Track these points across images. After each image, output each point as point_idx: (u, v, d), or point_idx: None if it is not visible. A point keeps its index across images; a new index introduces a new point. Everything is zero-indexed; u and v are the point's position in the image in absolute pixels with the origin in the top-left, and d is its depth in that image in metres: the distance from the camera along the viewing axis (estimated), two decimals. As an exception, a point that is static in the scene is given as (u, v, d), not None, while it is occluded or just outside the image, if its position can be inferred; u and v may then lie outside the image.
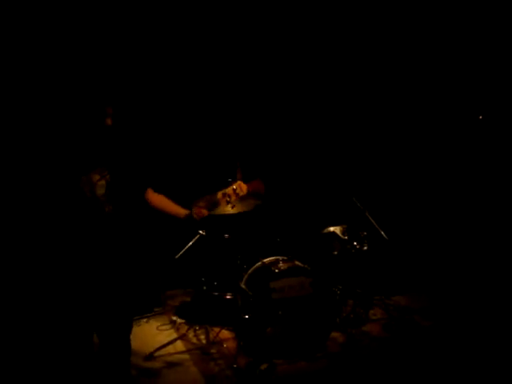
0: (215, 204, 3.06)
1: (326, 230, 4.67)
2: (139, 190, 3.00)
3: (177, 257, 4.43)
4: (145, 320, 4.85)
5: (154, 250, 4.95)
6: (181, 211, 3.03)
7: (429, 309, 4.81)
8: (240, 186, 3.06)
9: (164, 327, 4.68)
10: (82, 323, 2.75)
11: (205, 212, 3.01)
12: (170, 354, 4.11)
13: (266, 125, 5.70)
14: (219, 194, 3.06)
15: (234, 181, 3.09)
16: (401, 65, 5.79)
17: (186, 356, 4.10)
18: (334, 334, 4.28)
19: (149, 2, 4.89)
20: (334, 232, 4.62)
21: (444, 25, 5.62)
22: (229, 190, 3.06)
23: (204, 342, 4.32)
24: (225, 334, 4.43)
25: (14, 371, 3.53)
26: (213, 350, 4.19)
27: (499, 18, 5.43)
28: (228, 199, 3.06)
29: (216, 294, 4.62)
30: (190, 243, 4.47)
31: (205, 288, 4.48)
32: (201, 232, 4.40)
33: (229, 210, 3.73)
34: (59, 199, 2.68)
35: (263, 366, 3.79)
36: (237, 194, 3.07)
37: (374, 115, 5.88)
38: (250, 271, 4.23)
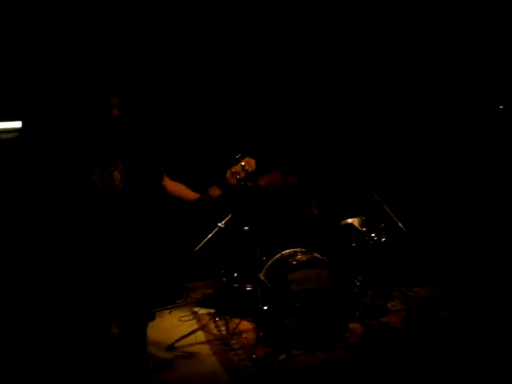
0: (227, 185, 3.05)
1: (343, 222, 4.70)
2: (154, 178, 3.05)
3: (196, 249, 4.50)
4: (167, 311, 4.96)
5: (174, 243, 5.02)
6: (195, 195, 3.06)
7: (449, 300, 4.79)
8: (248, 163, 3.03)
9: (186, 318, 4.77)
10: (98, 315, 2.80)
11: (215, 192, 3.01)
12: (191, 345, 4.18)
13: (285, 116, 5.74)
14: (228, 173, 3.04)
15: (243, 157, 3.06)
16: (418, 58, 5.76)
17: (206, 346, 4.17)
18: (353, 325, 4.30)
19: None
20: (351, 224, 4.65)
21: (465, 14, 5.56)
22: (237, 168, 3.03)
23: (224, 332, 4.38)
24: (244, 324, 4.49)
25: (31, 360, 3.60)
26: (232, 341, 4.26)
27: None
28: (238, 176, 3.03)
29: (236, 285, 4.68)
30: (210, 235, 4.54)
31: (224, 280, 4.54)
32: (220, 224, 4.46)
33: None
34: (69, 193, 2.72)
35: (282, 357, 3.85)
36: (246, 171, 3.03)
37: (392, 107, 5.86)
38: (269, 263, 4.28)
